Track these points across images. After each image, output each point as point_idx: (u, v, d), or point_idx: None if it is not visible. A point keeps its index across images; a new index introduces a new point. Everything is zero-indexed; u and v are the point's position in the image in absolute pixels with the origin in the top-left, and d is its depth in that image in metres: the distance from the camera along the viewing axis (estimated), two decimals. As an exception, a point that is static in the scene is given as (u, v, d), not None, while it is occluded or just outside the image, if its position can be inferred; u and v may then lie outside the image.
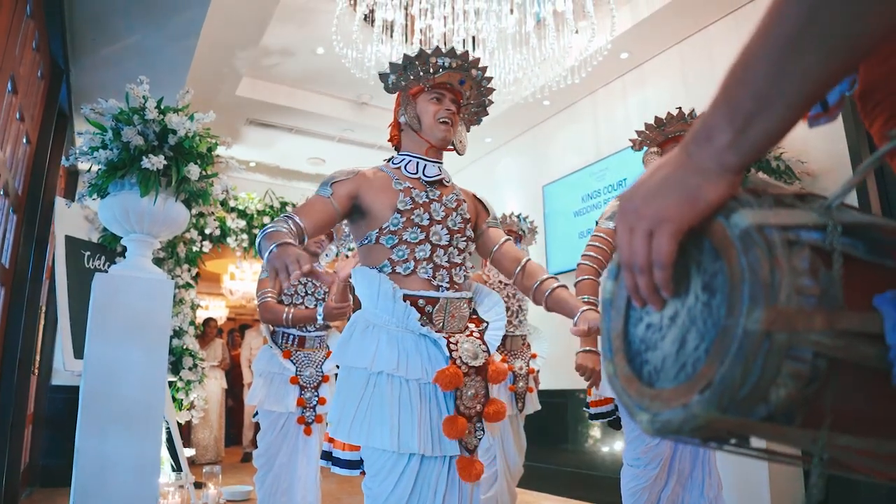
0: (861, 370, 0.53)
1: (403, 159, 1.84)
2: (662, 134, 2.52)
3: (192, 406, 5.83)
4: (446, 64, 1.79)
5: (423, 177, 1.83)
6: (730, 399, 0.51)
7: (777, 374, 0.50)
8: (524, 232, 3.77)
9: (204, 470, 4.23)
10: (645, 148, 2.58)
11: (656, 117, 2.52)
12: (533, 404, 3.54)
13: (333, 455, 1.72)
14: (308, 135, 6.44)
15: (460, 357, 1.65)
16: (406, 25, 4.16)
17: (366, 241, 1.74)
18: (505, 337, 3.47)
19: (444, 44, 4.08)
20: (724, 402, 0.51)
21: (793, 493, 3.27)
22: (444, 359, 1.66)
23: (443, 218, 1.78)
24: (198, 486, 4.24)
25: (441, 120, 1.81)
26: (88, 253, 4.40)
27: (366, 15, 4.18)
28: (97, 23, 4.04)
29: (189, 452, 5.79)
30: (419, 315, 1.66)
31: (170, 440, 4.01)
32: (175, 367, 5.72)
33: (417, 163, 1.84)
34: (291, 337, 3.21)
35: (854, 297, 0.54)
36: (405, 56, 1.79)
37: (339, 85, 5.76)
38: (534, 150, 6.19)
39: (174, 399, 5.60)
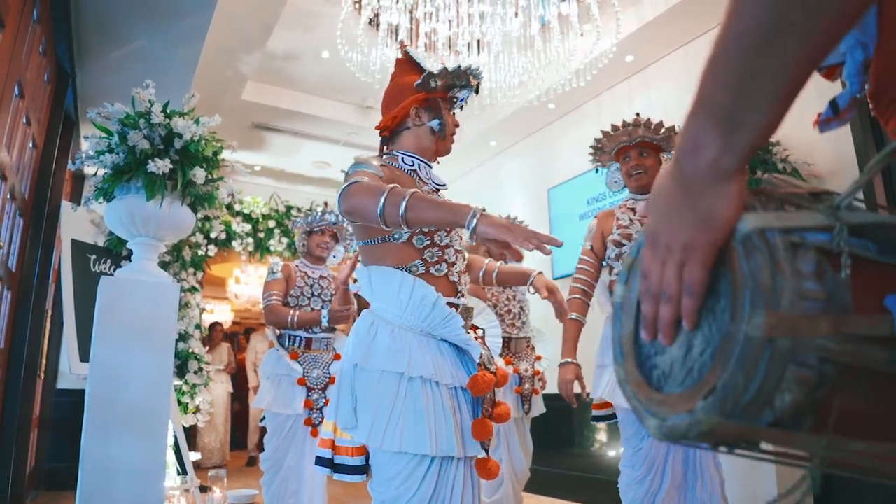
0: (871, 374, 0.52)
1: (413, 161, 1.82)
2: (607, 154, 2.62)
3: (197, 410, 5.84)
4: (473, 85, 1.85)
5: (433, 182, 1.83)
6: (733, 405, 0.51)
7: (781, 379, 0.49)
8: None
9: (209, 474, 4.23)
10: (611, 165, 2.65)
11: (596, 139, 2.63)
12: (538, 407, 3.53)
13: (336, 462, 1.67)
14: (313, 138, 6.45)
15: (484, 363, 1.66)
16: (411, 29, 4.16)
17: (390, 239, 1.68)
18: (509, 339, 3.47)
19: (449, 47, 4.08)
20: (728, 407, 0.51)
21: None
22: (464, 364, 1.67)
23: None
24: (203, 489, 4.24)
25: (453, 132, 1.85)
26: (94, 256, 4.41)
27: (370, 19, 4.19)
28: (103, 27, 4.05)
29: (194, 456, 5.80)
30: (462, 322, 1.64)
31: (175, 444, 4.01)
32: (180, 371, 5.73)
33: (426, 168, 1.84)
34: (298, 339, 3.21)
35: (865, 299, 0.52)
36: (456, 68, 1.81)
37: (343, 89, 5.77)
38: (539, 154, 6.18)
39: (180, 403, 5.61)
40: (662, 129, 2.52)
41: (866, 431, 0.53)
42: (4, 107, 2.93)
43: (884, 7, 0.69)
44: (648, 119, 2.52)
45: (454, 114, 1.88)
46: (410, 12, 4.06)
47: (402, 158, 1.81)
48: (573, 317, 2.54)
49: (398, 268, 1.66)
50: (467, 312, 1.76)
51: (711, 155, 0.55)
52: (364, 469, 1.64)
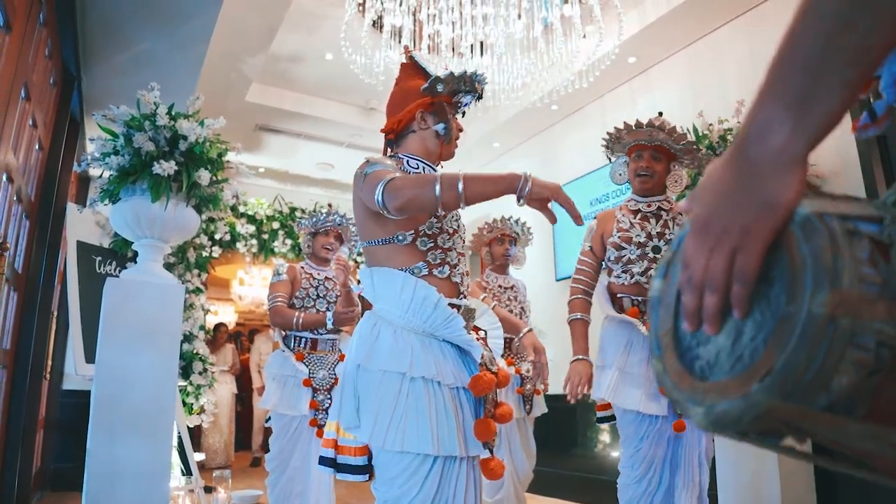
0: None
1: (418, 165, 1.82)
2: (621, 146, 2.57)
3: (202, 410, 5.85)
4: (477, 90, 1.86)
5: None
6: (793, 385, 0.51)
7: (841, 360, 0.50)
8: (518, 234, 3.79)
9: (214, 474, 4.24)
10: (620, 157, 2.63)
11: (615, 127, 2.57)
12: (540, 407, 3.54)
13: (339, 462, 1.69)
14: (317, 140, 6.47)
15: (485, 364, 1.67)
16: (414, 31, 4.18)
17: (394, 240, 1.69)
18: (510, 340, 3.48)
19: (452, 50, 4.09)
20: (787, 388, 0.51)
21: (806, 498, 3.25)
22: (466, 365, 1.68)
23: (457, 227, 1.80)
24: (208, 490, 4.25)
25: (457, 137, 1.86)
26: (100, 258, 4.44)
27: (374, 21, 4.20)
28: (108, 30, 4.08)
29: (199, 457, 5.82)
30: (465, 322, 1.66)
31: (180, 444, 4.03)
32: (185, 372, 5.75)
33: (431, 171, 1.84)
34: (303, 339, 3.23)
35: None
36: (462, 73, 1.81)
37: (347, 91, 5.79)
38: (542, 155, 6.19)
39: (184, 403, 5.63)
40: (683, 141, 2.47)
41: None
42: (11, 109, 2.96)
43: None
44: (673, 127, 2.48)
45: (458, 118, 1.89)
46: (414, 14, 4.07)
47: (407, 161, 1.82)
48: (577, 316, 2.57)
49: (401, 269, 1.67)
50: (469, 313, 1.77)
51: (780, 140, 0.55)
52: (367, 469, 1.65)
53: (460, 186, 1.49)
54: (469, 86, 1.82)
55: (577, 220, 1.50)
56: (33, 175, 4.00)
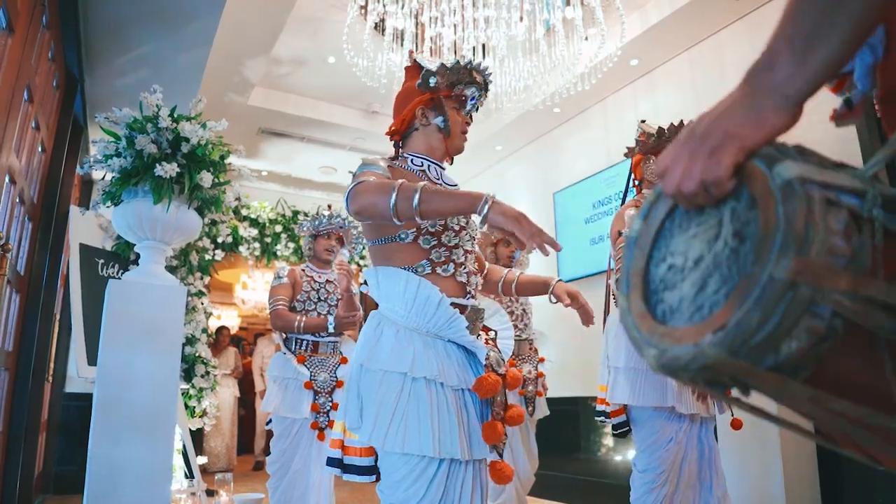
0: (869, 342, 0.54)
1: (423, 162, 1.81)
2: (661, 144, 2.56)
3: (204, 413, 5.85)
4: (479, 82, 1.84)
5: (444, 183, 1.82)
6: (741, 343, 0.52)
7: (794, 326, 0.51)
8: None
9: (216, 477, 4.24)
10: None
11: (659, 128, 2.56)
12: (542, 409, 3.53)
13: (346, 462, 1.68)
14: (319, 144, 6.47)
15: (491, 365, 1.65)
16: (416, 34, 4.18)
17: (396, 239, 1.68)
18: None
19: (455, 52, 4.09)
20: (736, 345, 0.53)
21: (809, 497, 3.23)
22: (472, 366, 1.67)
23: (466, 224, 1.77)
24: (210, 493, 4.25)
25: (463, 130, 1.84)
26: (102, 261, 4.44)
27: (376, 24, 4.21)
28: (111, 33, 4.09)
29: (201, 460, 5.81)
30: (468, 323, 1.64)
31: (182, 447, 4.02)
32: (188, 375, 5.75)
33: (437, 168, 1.83)
34: (305, 342, 3.22)
35: (886, 267, 0.54)
36: (455, 63, 1.79)
37: (349, 94, 5.79)
38: (544, 158, 6.19)
39: (186, 406, 5.63)
40: None
41: (853, 394, 0.55)
42: (14, 112, 2.96)
43: (892, 17, 0.72)
44: None
45: (470, 115, 1.87)
46: (416, 17, 4.08)
47: (412, 160, 1.81)
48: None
49: (404, 268, 1.66)
50: (476, 313, 1.75)
51: (784, 74, 0.60)
52: (373, 470, 1.64)
53: (416, 199, 1.46)
54: (467, 76, 1.80)
55: (555, 246, 1.45)
56: (36, 177, 4.01)
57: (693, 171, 0.62)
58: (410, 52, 1.97)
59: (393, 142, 1.89)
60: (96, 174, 4.57)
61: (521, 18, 4.01)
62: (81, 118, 4.98)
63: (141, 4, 3.78)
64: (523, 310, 3.59)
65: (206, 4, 3.77)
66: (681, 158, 0.63)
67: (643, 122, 2.61)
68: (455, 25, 3.99)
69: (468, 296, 1.73)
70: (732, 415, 2.36)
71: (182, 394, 5.22)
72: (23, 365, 3.94)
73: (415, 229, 1.67)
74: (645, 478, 2.35)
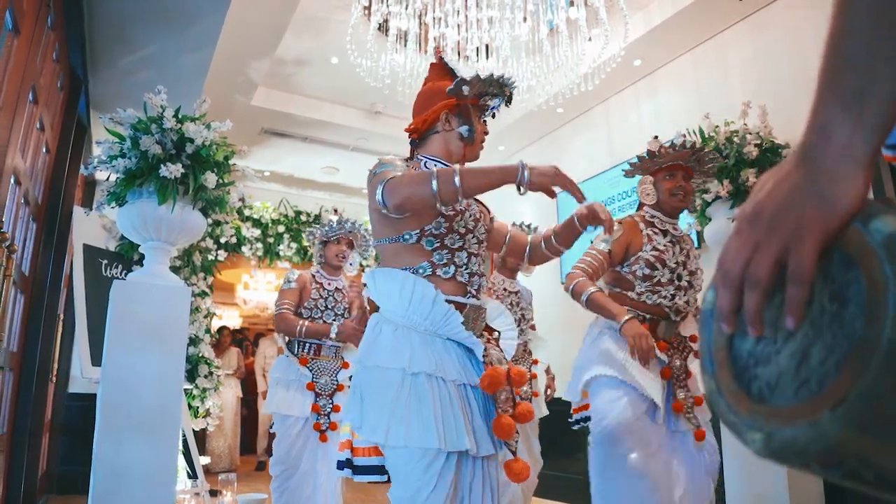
0: None
1: (437, 166, 1.81)
2: (655, 164, 2.55)
3: (207, 414, 5.86)
4: (506, 94, 1.85)
5: None
6: (871, 416, 0.47)
7: None
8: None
9: (219, 478, 4.25)
10: (638, 176, 2.63)
11: (649, 150, 2.55)
12: (540, 409, 3.54)
13: (355, 463, 1.68)
14: (322, 144, 6.47)
15: (491, 363, 1.66)
16: (420, 34, 4.18)
17: (400, 240, 1.70)
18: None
19: (458, 52, 4.09)
20: (864, 419, 0.47)
21: (814, 492, 3.23)
22: (474, 363, 1.68)
23: (473, 227, 1.78)
24: (213, 493, 4.25)
25: (482, 139, 1.86)
26: (106, 261, 4.45)
27: (380, 24, 4.21)
28: (115, 34, 4.10)
29: (204, 460, 5.82)
30: (462, 319, 1.65)
31: (186, 448, 4.03)
32: (191, 375, 5.76)
33: None
34: (308, 345, 3.23)
35: None
36: (488, 76, 1.79)
37: (353, 94, 5.79)
38: (547, 158, 6.19)
39: (190, 407, 5.63)
40: (708, 165, 2.57)
41: None
42: (19, 112, 2.97)
43: None
44: (705, 153, 2.55)
45: (485, 122, 1.88)
46: (419, 18, 4.08)
47: (425, 163, 1.81)
48: (591, 290, 2.44)
49: (404, 269, 1.68)
50: (478, 312, 1.75)
51: (843, 139, 0.53)
52: (384, 469, 1.64)
53: (457, 180, 1.50)
54: (497, 89, 1.82)
55: (580, 198, 1.57)
56: (40, 178, 4.01)
57: (762, 264, 0.56)
58: (437, 49, 1.97)
59: (410, 139, 1.90)
60: (99, 175, 4.57)
61: (525, 19, 4.01)
62: (86, 119, 4.98)
63: (145, 5, 3.78)
64: (522, 315, 3.63)
65: (211, 5, 3.78)
66: (744, 249, 0.57)
67: (656, 137, 2.59)
68: (459, 26, 3.99)
69: (469, 295, 1.74)
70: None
71: (185, 394, 5.23)
72: (27, 365, 3.94)
73: (419, 230, 1.68)
74: (634, 484, 2.33)
